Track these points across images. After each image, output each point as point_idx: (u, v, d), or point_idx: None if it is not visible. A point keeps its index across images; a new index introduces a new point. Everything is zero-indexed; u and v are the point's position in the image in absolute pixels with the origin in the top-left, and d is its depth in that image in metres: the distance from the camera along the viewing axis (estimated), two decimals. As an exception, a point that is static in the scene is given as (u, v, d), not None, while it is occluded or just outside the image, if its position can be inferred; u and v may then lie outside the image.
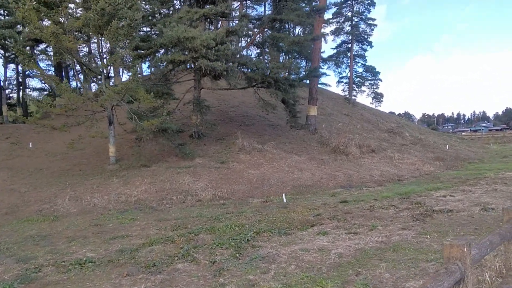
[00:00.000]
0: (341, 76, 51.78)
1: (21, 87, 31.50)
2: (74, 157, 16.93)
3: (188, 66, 14.69)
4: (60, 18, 14.08)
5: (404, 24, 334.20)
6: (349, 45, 49.62)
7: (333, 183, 14.83)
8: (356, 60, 50.92)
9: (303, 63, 47.24)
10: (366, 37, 50.33)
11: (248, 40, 19.56)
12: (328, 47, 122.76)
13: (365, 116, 31.73)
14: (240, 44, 18.47)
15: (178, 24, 13.45)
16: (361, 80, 50.87)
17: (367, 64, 51.06)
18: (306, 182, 14.51)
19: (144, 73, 35.19)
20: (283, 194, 11.92)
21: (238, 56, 14.81)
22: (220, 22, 21.60)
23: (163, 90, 15.25)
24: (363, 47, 51.50)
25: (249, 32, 17.58)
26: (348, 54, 49.74)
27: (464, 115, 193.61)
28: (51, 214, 11.45)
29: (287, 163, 16.20)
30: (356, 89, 51.55)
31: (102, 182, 13.90)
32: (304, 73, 19.99)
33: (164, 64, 15.87)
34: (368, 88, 51.47)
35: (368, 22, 49.07)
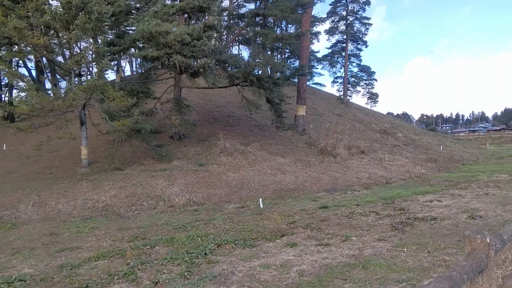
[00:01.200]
0: (336, 76, 51.05)
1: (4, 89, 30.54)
2: (47, 160, 16.15)
3: (166, 64, 13.85)
4: (28, 13, 13.29)
5: (404, 25, 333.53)
6: (344, 45, 48.94)
7: (317, 186, 14.06)
8: (351, 60, 50.21)
9: (297, 63, 46.59)
10: (361, 36, 49.54)
11: (232, 37, 18.77)
12: (323, 47, 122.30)
13: (358, 116, 30.98)
14: (226, 41, 17.68)
15: (152, 18, 12.67)
16: (356, 80, 50.14)
17: (362, 64, 50.36)
18: (289, 185, 13.74)
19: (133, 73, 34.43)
20: (260, 199, 11.15)
21: (218, 53, 13.98)
22: (207, 18, 20.84)
23: (139, 88, 14.45)
24: (358, 46, 50.77)
25: (234, 28, 16.77)
26: (343, 54, 49.07)
27: (463, 116, 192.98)
28: (9, 221, 10.66)
29: (270, 165, 15.43)
30: (351, 89, 50.85)
31: (71, 187, 13.11)
32: (290, 71, 19.16)
33: (153, 64, 15.09)
34: (363, 88, 50.74)
35: (363, 21, 48.27)
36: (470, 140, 48.65)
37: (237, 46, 35.36)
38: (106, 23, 12.47)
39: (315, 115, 26.67)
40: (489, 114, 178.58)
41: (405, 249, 6.24)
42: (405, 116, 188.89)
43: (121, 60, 28.81)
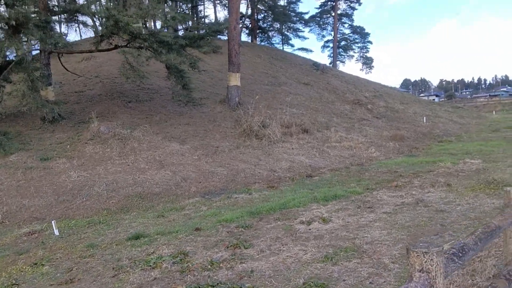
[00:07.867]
0: (326, 40, 45.89)
1: None
2: None
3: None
4: None
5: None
6: (334, 3, 43.50)
7: (198, 186, 10.04)
8: (342, 20, 44.87)
9: (277, 25, 41.58)
10: (354, -8, 43.91)
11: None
12: (311, 7, 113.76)
13: (333, 84, 26.34)
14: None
15: None
16: (347, 44, 44.88)
17: (355, 24, 44.93)
18: (154, 187, 9.76)
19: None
20: (53, 222, 7.21)
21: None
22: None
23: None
24: (351, 5, 45.26)
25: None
26: (333, 14, 43.72)
27: (485, 80, 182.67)
28: None
29: (152, 155, 11.45)
30: (343, 53, 45.78)
31: None
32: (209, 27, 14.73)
33: None
34: (356, 52, 45.49)
35: (355, -25, 42.57)
36: (477, 107, 43.20)
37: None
38: None
39: (272, 84, 22.27)
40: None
41: None
42: (423, 82, 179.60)
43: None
